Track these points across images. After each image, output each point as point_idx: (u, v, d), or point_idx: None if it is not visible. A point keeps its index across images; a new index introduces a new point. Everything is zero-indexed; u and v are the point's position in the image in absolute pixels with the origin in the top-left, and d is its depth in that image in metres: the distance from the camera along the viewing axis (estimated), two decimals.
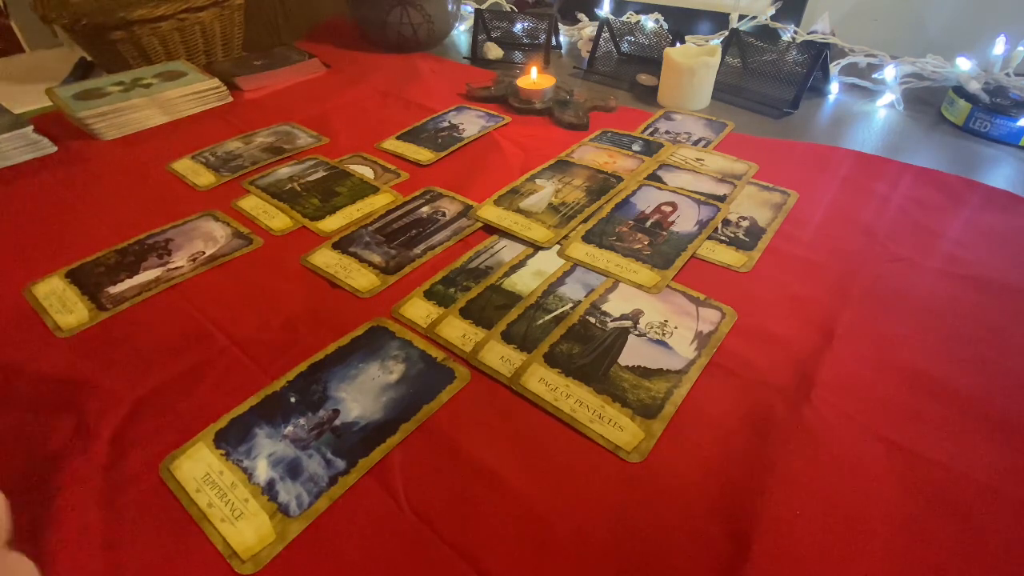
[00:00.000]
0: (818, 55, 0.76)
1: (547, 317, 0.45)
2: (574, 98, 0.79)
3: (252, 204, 0.60)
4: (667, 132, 0.73)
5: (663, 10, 0.95)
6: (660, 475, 0.34)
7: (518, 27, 1.03)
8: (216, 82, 0.80)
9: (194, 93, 0.78)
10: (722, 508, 0.33)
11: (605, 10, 0.99)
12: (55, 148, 0.68)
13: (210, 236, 0.55)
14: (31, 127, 0.67)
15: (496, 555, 0.31)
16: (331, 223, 0.57)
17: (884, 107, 0.78)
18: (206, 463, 0.35)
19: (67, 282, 0.50)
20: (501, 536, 0.32)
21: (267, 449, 0.36)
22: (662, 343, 0.43)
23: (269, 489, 0.34)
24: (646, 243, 0.53)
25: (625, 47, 0.95)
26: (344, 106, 0.80)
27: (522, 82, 0.79)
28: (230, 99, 0.82)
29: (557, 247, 0.53)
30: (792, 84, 0.79)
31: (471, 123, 0.75)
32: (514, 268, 0.50)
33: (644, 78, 0.86)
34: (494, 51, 0.97)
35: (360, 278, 0.50)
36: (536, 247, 0.53)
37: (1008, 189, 0.60)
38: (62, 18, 0.81)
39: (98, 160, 0.68)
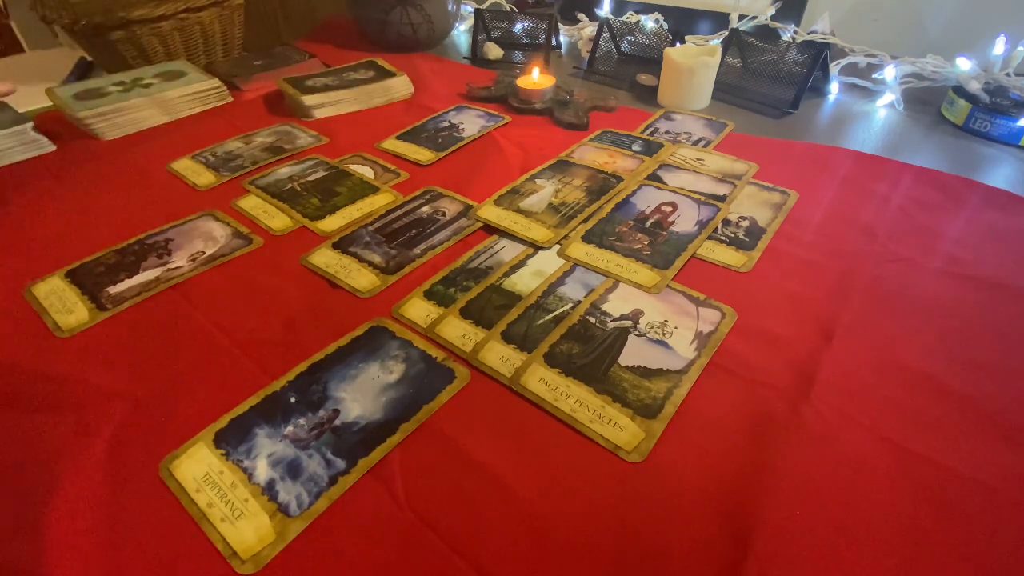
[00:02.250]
0: (818, 55, 0.76)
1: (547, 317, 0.45)
2: (574, 98, 0.79)
3: (252, 204, 0.60)
4: (667, 132, 0.73)
5: (663, 10, 0.95)
6: (660, 475, 0.34)
7: (518, 27, 1.03)
8: (216, 82, 0.80)
9: (194, 93, 0.78)
10: (722, 508, 0.33)
11: (605, 10, 0.99)
12: (54, 147, 0.68)
13: (210, 236, 0.55)
14: (30, 124, 0.67)
15: (496, 555, 0.31)
16: (331, 223, 0.57)
17: (884, 107, 0.78)
18: (206, 463, 0.35)
19: (67, 282, 0.50)
20: (501, 536, 0.32)
21: (267, 449, 0.36)
22: (662, 343, 0.43)
23: (269, 489, 0.34)
24: (646, 243, 0.53)
25: (625, 47, 0.95)
26: None
27: (522, 82, 0.79)
28: (230, 99, 0.82)
29: (557, 247, 0.53)
30: (792, 84, 0.79)
31: (471, 123, 0.75)
32: (514, 268, 0.50)
33: (644, 78, 0.86)
34: (494, 51, 0.97)
35: (360, 278, 0.50)
36: (536, 247, 0.53)
37: (1008, 189, 0.60)
38: (62, 18, 0.81)
39: (98, 160, 0.68)
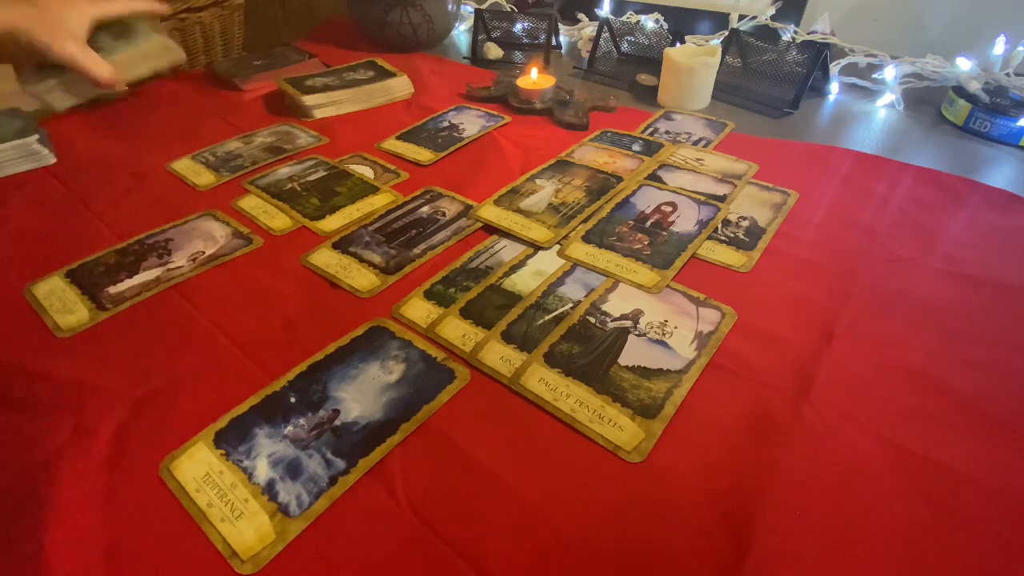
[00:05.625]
0: (818, 55, 0.76)
1: (547, 317, 0.45)
2: (574, 98, 0.79)
3: (252, 204, 0.60)
4: (667, 132, 0.73)
5: (663, 10, 0.95)
6: (660, 475, 0.34)
7: (518, 27, 1.03)
8: (168, 41, 0.78)
9: (143, 54, 0.76)
10: (722, 508, 0.33)
11: (605, 10, 0.99)
12: (55, 159, 0.67)
13: (210, 236, 0.55)
14: (36, 137, 0.65)
15: (496, 555, 0.31)
16: (331, 223, 0.57)
17: (884, 107, 0.78)
18: (206, 463, 0.35)
19: (67, 282, 0.50)
20: (501, 536, 0.32)
21: (267, 449, 0.36)
22: (662, 343, 0.43)
23: (269, 489, 0.34)
24: (646, 243, 0.53)
25: (625, 47, 0.95)
26: None
27: (522, 82, 0.79)
28: (184, 57, 0.81)
29: (557, 247, 0.53)
30: (792, 84, 0.79)
31: (471, 123, 0.75)
32: (514, 268, 0.50)
33: (644, 78, 0.86)
34: (494, 51, 0.97)
35: (360, 278, 0.50)
36: (536, 247, 0.53)
37: (1008, 189, 0.60)
38: None
39: (98, 160, 0.68)
